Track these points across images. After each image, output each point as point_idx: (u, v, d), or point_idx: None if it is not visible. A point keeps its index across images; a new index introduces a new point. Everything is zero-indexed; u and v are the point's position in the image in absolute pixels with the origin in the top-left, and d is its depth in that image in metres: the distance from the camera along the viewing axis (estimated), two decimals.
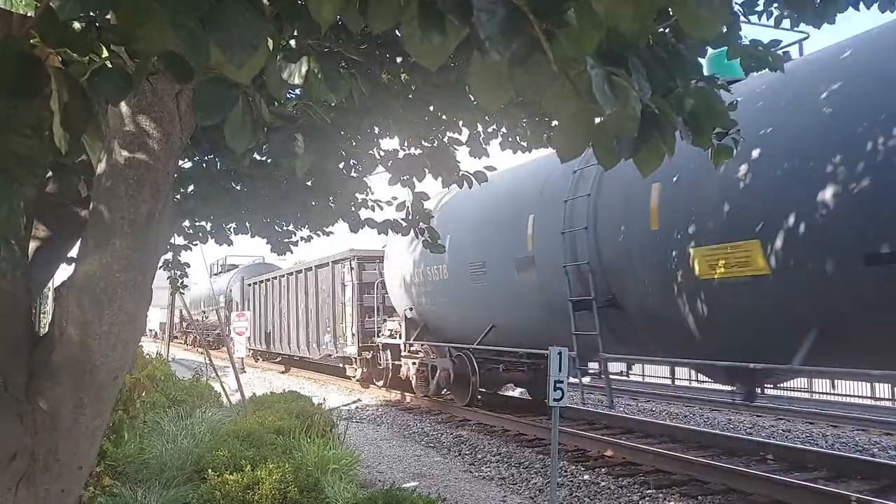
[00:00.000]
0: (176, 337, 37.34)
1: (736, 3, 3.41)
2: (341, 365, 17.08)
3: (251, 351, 24.49)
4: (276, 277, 22.02)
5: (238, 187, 4.88)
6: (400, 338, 13.48)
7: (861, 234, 4.99)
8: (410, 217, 5.19)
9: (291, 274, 20.28)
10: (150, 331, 42.70)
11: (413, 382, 13.22)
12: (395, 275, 12.96)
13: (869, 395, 12.94)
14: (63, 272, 2.50)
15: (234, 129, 1.49)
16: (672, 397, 13.70)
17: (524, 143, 4.63)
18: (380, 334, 14.61)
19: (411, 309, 12.59)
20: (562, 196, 8.16)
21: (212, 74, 1.40)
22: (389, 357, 14.25)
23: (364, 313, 15.50)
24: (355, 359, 15.64)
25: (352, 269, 15.84)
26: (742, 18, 3.41)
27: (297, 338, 19.83)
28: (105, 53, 1.41)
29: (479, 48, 0.99)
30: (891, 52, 5.36)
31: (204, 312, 31.09)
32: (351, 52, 2.64)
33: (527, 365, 11.11)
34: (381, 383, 14.99)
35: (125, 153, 1.91)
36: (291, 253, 6.83)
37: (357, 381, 16.00)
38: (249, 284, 25.75)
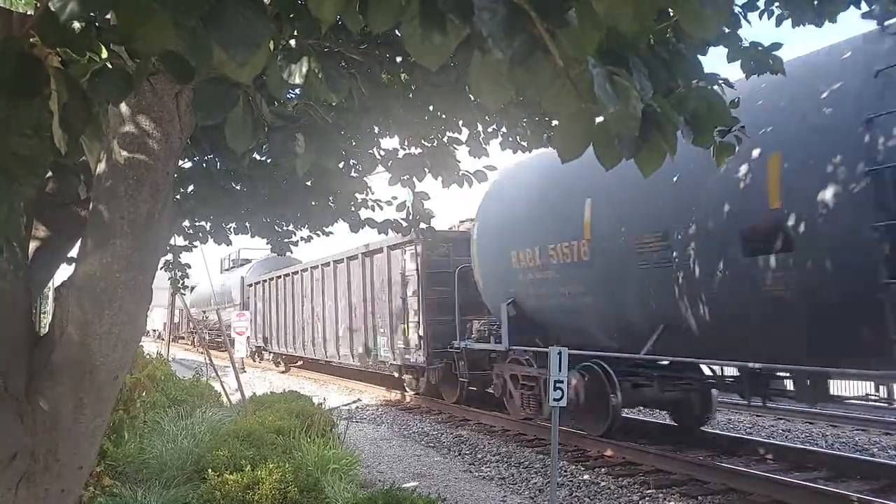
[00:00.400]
0: (182, 338, 35.77)
1: (736, 5, 3.41)
2: (399, 375, 13.61)
3: (273, 355, 22.61)
4: (305, 269, 18.60)
5: (238, 187, 4.87)
6: (493, 341, 10.23)
7: None
8: (411, 217, 5.19)
9: (327, 264, 16.51)
10: (154, 331, 41.20)
11: (515, 402, 9.80)
12: (493, 257, 9.77)
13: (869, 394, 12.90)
14: (63, 272, 2.50)
15: (235, 129, 1.49)
16: None
17: (524, 143, 4.63)
18: (464, 337, 11.14)
19: (513, 303, 9.36)
20: (853, 114, 5.13)
21: (212, 74, 1.39)
22: (465, 366, 11.24)
23: (433, 311, 11.92)
24: (424, 369, 12.15)
25: (417, 254, 12.11)
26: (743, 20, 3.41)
27: (334, 341, 16.16)
28: (105, 53, 1.41)
29: (480, 48, 0.99)
30: None
31: (204, 313, 30.23)
32: (351, 51, 2.64)
33: (688, 382, 8.18)
34: (453, 399, 11.85)
35: (125, 153, 1.91)
36: (291, 253, 6.83)
37: (419, 395, 12.95)
38: (252, 283, 23.91)
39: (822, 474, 6.83)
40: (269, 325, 22.30)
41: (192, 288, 29.60)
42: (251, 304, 24.08)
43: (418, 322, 12.16)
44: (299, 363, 21.03)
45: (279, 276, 21.24)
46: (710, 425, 9.09)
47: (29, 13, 1.31)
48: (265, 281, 22.88)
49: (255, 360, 24.28)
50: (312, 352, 18.28)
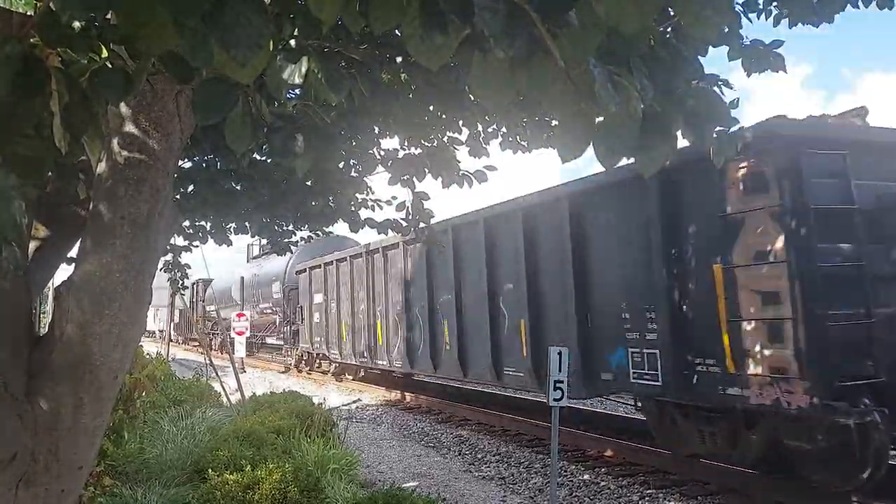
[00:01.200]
0: (194, 340, 29.14)
1: (736, 3, 3.41)
2: (660, 421, 7.04)
3: (336, 365, 16.50)
4: (395, 244, 12.07)
5: (238, 187, 4.88)
6: None
7: None
8: (410, 217, 5.19)
9: (478, 222, 9.59)
10: (161, 331, 35.45)
11: None
12: None
13: None
14: (63, 272, 2.50)
15: (235, 130, 1.49)
16: None
17: (524, 143, 4.63)
18: None
19: None
20: None
21: (213, 74, 1.39)
22: None
23: (832, 296, 5.29)
24: (809, 422, 5.40)
25: (776, 173, 5.47)
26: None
27: (486, 353, 9.31)
28: (105, 53, 1.41)
29: (481, 48, 0.99)
30: None
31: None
32: (351, 52, 2.64)
33: None
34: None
35: (125, 153, 1.92)
36: (291, 253, 6.82)
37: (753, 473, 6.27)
38: (306, 270, 17.46)
39: None
40: (334, 324, 15.65)
41: (210, 282, 27.77)
42: (304, 297, 17.89)
43: (794, 320, 5.33)
44: (359, 373, 15.87)
45: (355, 256, 14.28)
46: None
47: (29, 13, 1.31)
48: (326, 265, 15.99)
49: (298, 370, 19.14)
50: (429, 366, 11.24)
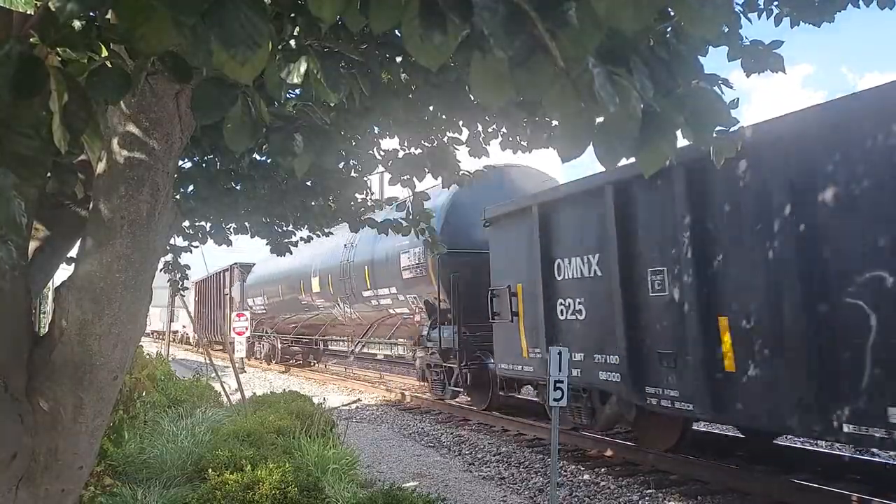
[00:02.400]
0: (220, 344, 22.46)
1: (736, 3, 3.41)
2: None
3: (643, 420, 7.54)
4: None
5: (238, 187, 4.87)
6: None
7: None
8: (411, 217, 5.19)
9: None
10: (178, 331, 30.59)
11: None
12: None
13: None
14: (63, 272, 2.50)
15: (234, 129, 1.49)
16: None
17: (524, 143, 4.63)
18: None
19: None
20: None
21: (212, 74, 1.39)
22: None
23: None
24: None
25: None
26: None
27: None
28: (104, 52, 1.41)
29: (480, 48, 0.99)
30: None
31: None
32: (351, 52, 2.64)
33: None
34: None
35: (125, 153, 1.92)
36: (291, 253, 6.78)
37: None
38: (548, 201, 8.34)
39: (822, 474, 6.82)
40: (669, 322, 6.49)
41: (250, 267, 23.06)
42: (514, 271, 9.19)
43: None
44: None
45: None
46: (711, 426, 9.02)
47: (29, 13, 1.31)
48: (621, 187, 6.97)
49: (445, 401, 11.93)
50: None
